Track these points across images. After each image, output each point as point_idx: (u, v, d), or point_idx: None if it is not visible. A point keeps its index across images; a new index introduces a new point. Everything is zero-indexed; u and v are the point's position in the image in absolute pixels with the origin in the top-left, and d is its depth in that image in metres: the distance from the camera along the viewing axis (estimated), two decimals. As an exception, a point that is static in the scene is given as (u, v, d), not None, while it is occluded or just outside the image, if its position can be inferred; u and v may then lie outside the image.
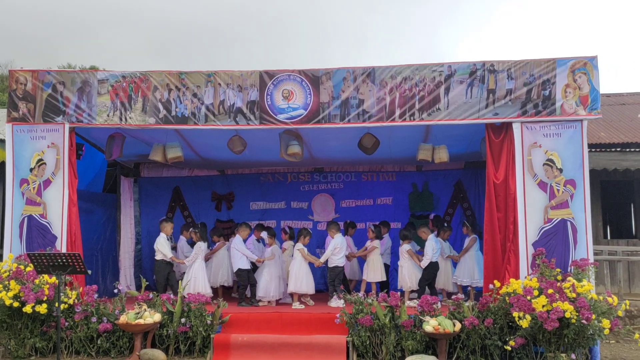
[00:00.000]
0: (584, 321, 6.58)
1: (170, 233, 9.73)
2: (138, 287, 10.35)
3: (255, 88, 8.17)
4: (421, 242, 9.80)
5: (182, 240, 10.51)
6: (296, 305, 8.95)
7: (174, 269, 9.80)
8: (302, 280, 9.08)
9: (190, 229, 10.09)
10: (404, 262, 9.30)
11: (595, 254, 8.01)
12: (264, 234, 9.95)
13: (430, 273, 9.15)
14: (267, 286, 9.17)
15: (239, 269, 9.33)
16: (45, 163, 8.20)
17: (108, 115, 8.23)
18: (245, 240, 9.55)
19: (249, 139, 8.73)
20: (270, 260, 9.35)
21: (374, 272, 9.58)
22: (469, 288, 9.46)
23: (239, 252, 9.33)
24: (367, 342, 7.44)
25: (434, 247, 9.12)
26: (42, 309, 7.30)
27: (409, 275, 9.19)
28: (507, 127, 7.87)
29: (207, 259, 10.00)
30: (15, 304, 7.30)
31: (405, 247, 9.34)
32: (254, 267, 9.60)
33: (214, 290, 9.76)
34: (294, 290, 9.10)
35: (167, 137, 8.95)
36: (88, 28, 56.88)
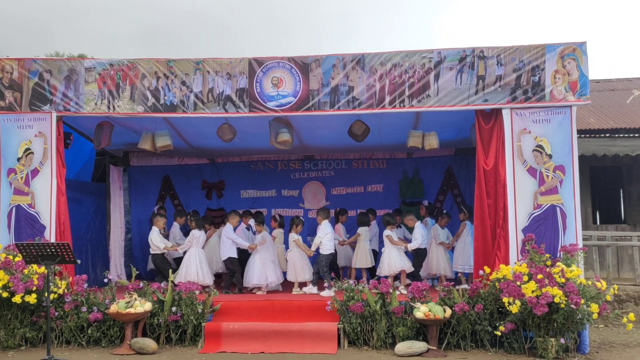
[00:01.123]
0: (573, 306, 6.64)
1: (163, 227, 9.69)
2: (128, 277, 10.33)
3: (245, 75, 8.11)
4: (411, 229, 9.85)
5: (176, 227, 10.47)
6: (297, 290, 8.99)
7: (165, 256, 9.78)
8: (300, 269, 9.11)
9: (188, 216, 9.97)
10: (385, 248, 9.34)
11: (584, 239, 8.08)
12: (251, 222, 9.91)
13: (418, 259, 9.18)
14: (261, 273, 9.15)
15: (229, 258, 9.32)
16: (32, 152, 8.12)
17: (96, 104, 8.16)
18: (235, 229, 9.54)
19: (239, 126, 8.69)
20: (262, 247, 9.33)
21: (361, 258, 9.62)
22: (459, 274, 9.52)
23: (229, 240, 9.32)
24: (358, 329, 7.47)
25: (422, 233, 9.16)
26: (32, 299, 7.27)
27: (387, 261, 9.18)
28: (496, 113, 7.87)
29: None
30: (5, 294, 7.27)
31: (385, 233, 9.37)
32: (244, 255, 9.58)
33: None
34: (294, 279, 9.11)
35: (156, 125, 8.89)
36: (77, 14, 56.29)
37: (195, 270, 9.13)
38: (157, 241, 9.44)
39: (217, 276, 10.36)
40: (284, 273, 9.64)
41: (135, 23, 60.39)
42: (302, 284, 9.18)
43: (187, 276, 8.89)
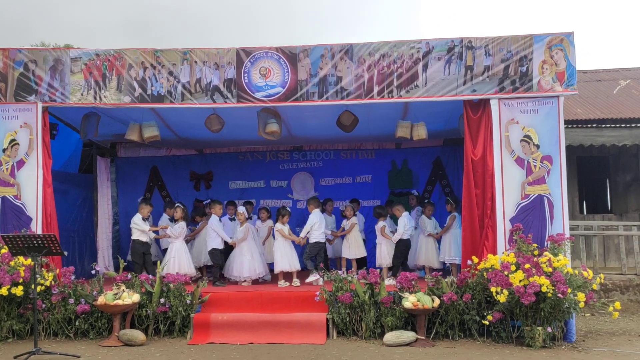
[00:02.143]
0: (559, 295, 6.69)
1: (147, 215, 9.56)
2: (116, 268, 10.25)
3: (232, 66, 8.06)
4: (397, 220, 9.91)
5: (165, 218, 10.40)
6: (282, 283, 8.96)
7: (150, 250, 9.70)
8: (286, 259, 9.09)
9: (176, 205, 9.90)
10: (382, 240, 9.37)
11: (571, 229, 8.13)
12: (241, 209, 9.70)
13: (401, 250, 9.22)
14: (250, 265, 9.12)
15: (213, 249, 9.33)
16: (18, 143, 8.04)
17: (82, 94, 8.07)
18: (220, 219, 9.51)
19: (227, 117, 8.64)
20: (248, 239, 9.29)
21: (353, 248, 9.65)
22: (451, 266, 9.56)
23: (214, 231, 9.31)
24: (347, 319, 7.49)
25: (406, 224, 9.23)
26: (18, 291, 7.22)
27: (388, 252, 9.26)
28: (484, 103, 7.89)
29: (190, 239, 9.98)
30: (-9, 287, 7.21)
31: (379, 225, 9.40)
32: (230, 247, 9.57)
33: (199, 270, 9.78)
34: (280, 269, 9.11)
35: (143, 116, 8.82)
36: (60, 4, 55.62)
37: (186, 262, 9.16)
38: (140, 224, 9.29)
39: (209, 267, 10.35)
40: (271, 265, 9.62)
41: (119, 15, 59.81)
42: (288, 275, 9.17)
43: (176, 267, 8.86)
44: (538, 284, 6.67)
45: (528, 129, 7.71)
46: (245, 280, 9.11)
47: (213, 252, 9.36)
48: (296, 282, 8.99)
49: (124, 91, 8.08)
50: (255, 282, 9.23)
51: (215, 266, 9.38)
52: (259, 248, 9.52)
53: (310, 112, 8.74)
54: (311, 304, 7.80)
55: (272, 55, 8.06)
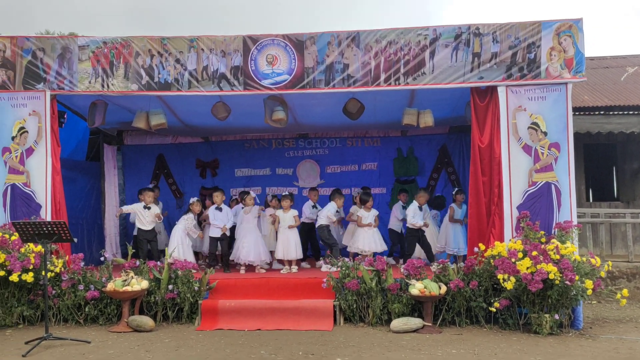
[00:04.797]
0: (567, 282, 6.70)
1: (150, 202, 9.58)
2: (124, 255, 10.32)
3: (239, 53, 8.05)
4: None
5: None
6: (287, 269, 9.02)
7: (156, 237, 9.78)
8: (291, 247, 9.14)
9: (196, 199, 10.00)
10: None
11: (578, 216, 8.12)
12: (252, 194, 9.71)
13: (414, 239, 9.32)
14: (256, 250, 9.18)
15: (210, 237, 9.48)
16: (27, 131, 8.07)
17: (90, 82, 8.09)
18: (220, 207, 9.58)
19: (233, 105, 8.65)
20: (250, 226, 9.33)
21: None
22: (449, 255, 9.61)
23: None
24: (354, 306, 7.54)
25: (416, 212, 9.32)
26: (29, 277, 7.28)
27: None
28: (492, 90, 7.86)
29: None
30: (1, 273, 7.26)
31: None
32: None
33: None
34: (282, 257, 9.15)
35: (150, 103, 8.84)
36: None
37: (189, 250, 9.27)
38: (142, 212, 9.51)
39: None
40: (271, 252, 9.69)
41: (122, 2, 59.60)
42: (291, 263, 9.22)
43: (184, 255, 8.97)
44: (545, 271, 6.69)
45: (536, 116, 7.70)
46: (245, 265, 9.16)
47: (211, 241, 9.54)
48: (294, 268, 9.08)
49: (131, 79, 8.09)
50: (252, 268, 9.25)
51: (225, 253, 9.45)
52: (260, 235, 9.56)
53: (316, 100, 8.74)
54: (318, 291, 7.84)
55: (279, 42, 8.04)
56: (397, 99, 8.82)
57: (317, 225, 9.54)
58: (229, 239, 9.55)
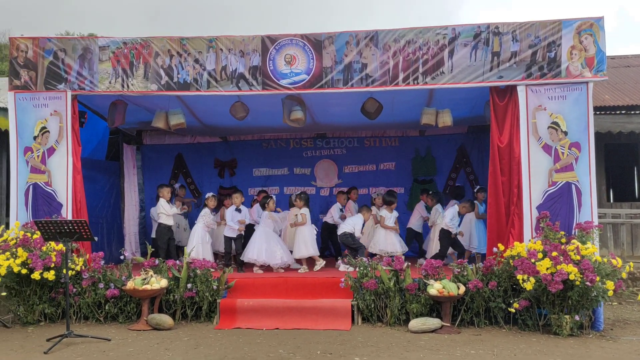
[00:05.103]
0: (588, 283, 6.63)
1: (169, 198, 9.75)
2: (143, 254, 10.44)
3: (257, 53, 8.08)
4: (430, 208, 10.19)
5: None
6: (303, 269, 9.06)
7: (174, 236, 9.86)
8: (309, 244, 9.17)
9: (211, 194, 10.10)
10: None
11: (599, 217, 8.04)
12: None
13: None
14: (271, 252, 9.20)
15: (224, 236, 9.54)
16: (48, 131, 8.17)
17: (110, 82, 8.17)
18: (239, 209, 9.62)
19: (252, 104, 8.68)
20: (268, 229, 9.35)
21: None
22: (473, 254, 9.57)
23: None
24: (372, 306, 7.53)
25: (455, 216, 9.43)
26: (50, 275, 7.37)
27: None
28: (511, 90, 7.81)
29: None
30: (24, 271, 7.37)
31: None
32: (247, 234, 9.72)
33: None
34: (300, 255, 9.17)
35: (169, 103, 8.90)
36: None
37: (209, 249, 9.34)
38: (165, 208, 9.57)
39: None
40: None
41: (140, 4, 60.03)
42: (308, 261, 9.24)
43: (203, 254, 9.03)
44: (566, 272, 6.63)
45: (556, 115, 7.63)
46: (261, 266, 9.19)
47: (224, 238, 9.58)
48: (304, 268, 9.13)
49: (150, 79, 8.16)
50: (269, 267, 9.26)
51: (238, 254, 9.50)
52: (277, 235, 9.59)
53: (334, 99, 8.74)
54: (336, 290, 7.84)
55: (297, 42, 8.06)
56: (415, 99, 8.79)
57: (340, 233, 9.48)
58: (242, 239, 9.60)
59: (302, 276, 8.60)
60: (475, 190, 10.03)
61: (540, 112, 7.66)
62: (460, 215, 9.62)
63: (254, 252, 9.08)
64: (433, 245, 9.76)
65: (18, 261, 7.36)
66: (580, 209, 7.49)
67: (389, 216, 9.49)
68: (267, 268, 9.25)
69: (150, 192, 12.06)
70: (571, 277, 6.62)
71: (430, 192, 10.40)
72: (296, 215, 9.48)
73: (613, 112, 11.47)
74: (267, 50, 8.07)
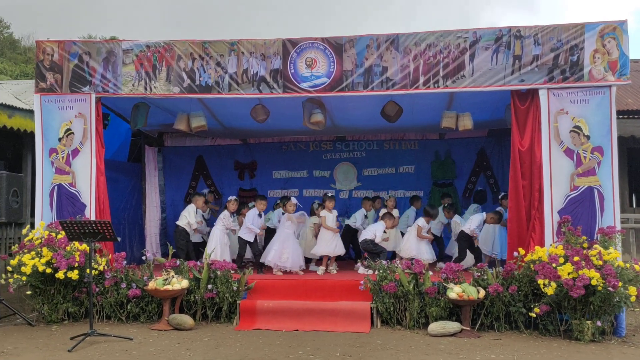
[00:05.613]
0: (610, 288, 6.58)
1: (201, 207, 9.89)
2: (164, 255, 10.54)
3: (279, 56, 8.14)
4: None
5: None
6: (321, 270, 9.11)
7: (190, 238, 9.95)
8: (333, 245, 9.22)
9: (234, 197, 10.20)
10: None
11: (621, 222, 7.92)
12: (294, 200, 9.76)
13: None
14: (294, 257, 9.23)
15: (239, 237, 9.58)
16: (73, 133, 8.31)
17: (133, 85, 8.29)
18: (260, 214, 9.66)
19: (272, 107, 8.75)
20: (289, 231, 9.39)
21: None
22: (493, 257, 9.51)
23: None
24: (391, 309, 7.53)
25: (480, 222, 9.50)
26: (74, 275, 7.48)
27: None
28: (533, 93, 7.77)
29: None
30: (48, 270, 7.50)
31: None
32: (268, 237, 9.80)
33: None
34: (325, 253, 9.22)
35: (191, 106, 9.00)
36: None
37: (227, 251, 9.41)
38: (190, 216, 9.70)
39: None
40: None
41: (160, 5, 60.57)
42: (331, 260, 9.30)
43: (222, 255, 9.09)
44: (588, 277, 6.57)
45: (578, 119, 7.57)
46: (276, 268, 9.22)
47: (239, 240, 9.60)
48: (333, 270, 9.16)
49: (173, 82, 8.26)
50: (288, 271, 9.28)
51: (257, 254, 9.55)
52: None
53: (354, 103, 8.77)
54: (355, 293, 7.87)
55: (318, 45, 8.10)
56: (435, 102, 8.78)
57: (361, 240, 9.49)
58: (256, 243, 9.66)
59: (321, 278, 8.63)
60: (500, 197, 9.94)
61: (562, 116, 7.61)
62: (483, 224, 9.57)
63: (274, 256, 9.14)
64: (497, 246, 9.72)
65: (43, 260, 7.49)
66: (602, 213, 7.42)
67: (426, 227, 9.56)
68: (286, 271, 9.29)
69: (171, 193, 12.21)
70: (593, 282, 6.57)
71: (446, 206, 10.37)
72: (314, 224, 9.58)
73: (636, 116, 11.34)
74: (288, 54, 8.12)
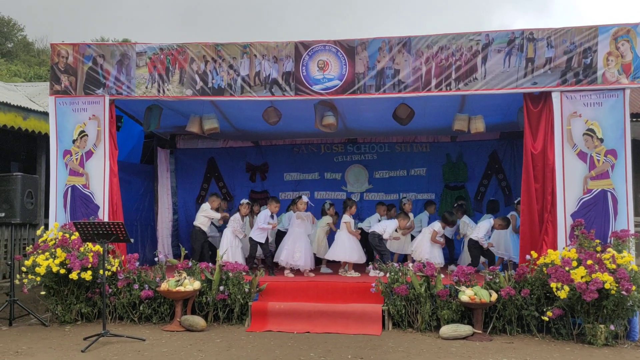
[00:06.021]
0: (623, 292, 6.54)
1: (216, 207, 9.95)
2: (175, 256, 10.61)
3: (291, 59, 8.17)
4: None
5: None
6: (352, 273, 9.18)
7: (208, 239, 10.00)
8: (350, 250, 9.24)
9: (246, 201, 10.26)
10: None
11: (635, 225, 7.90)
12: (305, 199, 9.71)
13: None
14: (306, 256, 9.26)
15: (250, 238, 9.59)
16: (87, 135, 8.38)
17: (146, 87, 8.35)
18: (272, 215, 9.66)
19: (284, 110, 8.77)
20: (301, 230, 9.42)
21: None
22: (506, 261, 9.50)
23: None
24: (403, 311, 7.52)
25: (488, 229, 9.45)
26: (87, 275, 7.54)
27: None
28: (546, 96, 7.74)
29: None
30: (62, 271, 7.55)
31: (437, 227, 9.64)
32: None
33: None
34: (344, 259, 9.27)
35: (203, 108, 9.05)
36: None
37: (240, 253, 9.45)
38: (208, 212, 9.83)
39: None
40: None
41: (172, 6, 60.90)
42: (348, 265, 9.30)
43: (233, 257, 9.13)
44: (601, 281, 6.54)
45: (591, 122, 7.53)
46: (292, 270, 9.25)
47: (250, 241, 9.62)
48: (355, 273, 9.18)
49: (186, 84, 8.31)
50: (300, 272, 9.32)
51: (268, 255, 9.58)
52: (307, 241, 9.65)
53: (366, 105, 8.77)
54: (367, 295, 7.87)
55: (330, 48, 8.12)
56: (447, 105, 8.77)
57: (370, 231, 9.55)
58: (267, 244, 9.70)
59: (332, 280, 8.63)
60: (516, 202, 9.87)
61: (575, 119, 7.58)
62: (493, 230, 9.54)
63: (286, 255, 9.17)
64: (466, 258, 9.70)
65: (57, 261, 7.56)
66: (616, 217, 7.38)
67: (441, 232, 9.56)
68: (297, 271, 9.32)
69: (184, 195, 12.26)
70: (606, 286, 6.53)
71: (455, 205, 10.35)
72: (327, 223, 9.59)
73: (650, 119, 11.27)
74: (300, 56, 8.15)
